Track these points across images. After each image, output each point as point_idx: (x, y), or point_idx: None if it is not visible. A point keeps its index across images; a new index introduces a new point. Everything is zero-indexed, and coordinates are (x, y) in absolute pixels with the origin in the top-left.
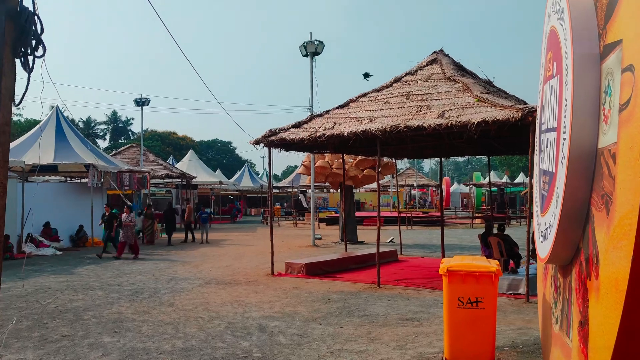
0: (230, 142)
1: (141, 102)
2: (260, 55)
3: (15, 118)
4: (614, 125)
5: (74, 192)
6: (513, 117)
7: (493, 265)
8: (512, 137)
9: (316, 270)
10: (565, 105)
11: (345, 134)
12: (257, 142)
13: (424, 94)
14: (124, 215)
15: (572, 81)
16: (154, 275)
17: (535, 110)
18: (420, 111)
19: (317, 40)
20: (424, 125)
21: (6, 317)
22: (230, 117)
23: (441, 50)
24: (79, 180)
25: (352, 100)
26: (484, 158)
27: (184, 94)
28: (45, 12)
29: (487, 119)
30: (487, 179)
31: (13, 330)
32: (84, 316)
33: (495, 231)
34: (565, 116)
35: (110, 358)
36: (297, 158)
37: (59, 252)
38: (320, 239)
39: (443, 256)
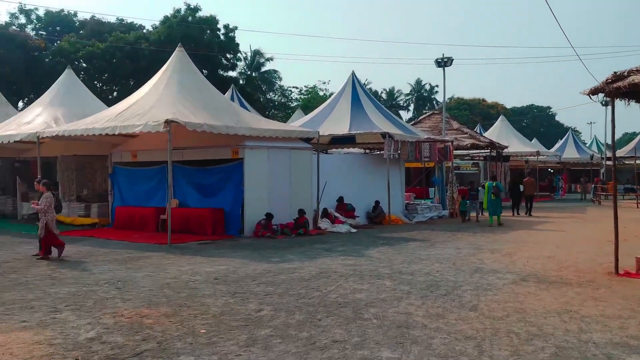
0: (549, 108)
1: (442, 63)
2: None
3: (320, 93)
4: None
5: (369, 164)
6: None
7: None
8: None
9: None
10: None
11: None
12: (594, 92)
13: None
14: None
15: None
16: (454, 263)
17: None
18: None
19: None
20: None
21: (282, 306)
22: (583, 63)
23: None
24: (377, 152)
25: None
26: None
27: (494, 54)
28: None
29: None
30: None
31: (282, 325)
32: (364, 314)
33: None
34: None
35: None
36: None
37: (353, 230)
38: None
39: None
